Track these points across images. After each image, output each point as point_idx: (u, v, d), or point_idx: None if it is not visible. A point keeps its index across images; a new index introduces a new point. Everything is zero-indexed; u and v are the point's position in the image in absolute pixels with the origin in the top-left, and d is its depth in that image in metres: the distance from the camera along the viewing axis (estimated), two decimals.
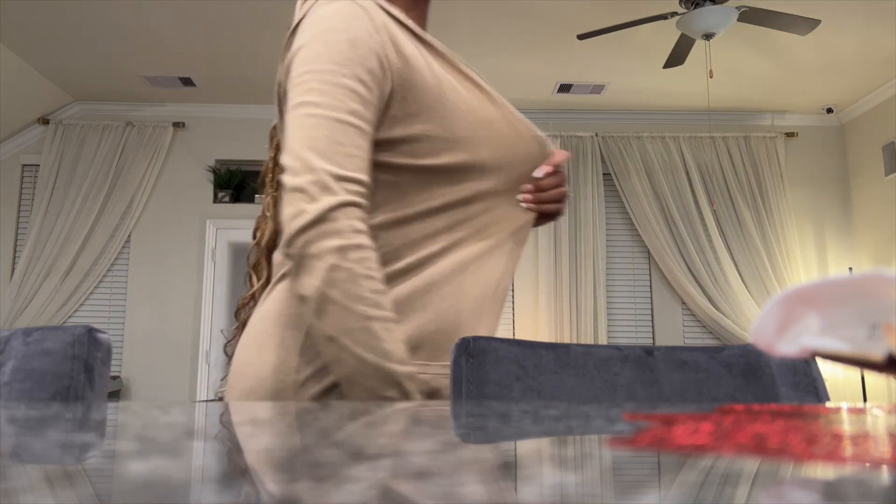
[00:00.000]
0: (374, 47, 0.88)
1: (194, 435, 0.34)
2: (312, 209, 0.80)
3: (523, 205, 1.00)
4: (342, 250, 0.79)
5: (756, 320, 0.39)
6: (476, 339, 0.74)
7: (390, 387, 0.81)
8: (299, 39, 0.90)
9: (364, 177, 0.84)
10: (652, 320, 5.24)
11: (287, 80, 0.92)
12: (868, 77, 4.82)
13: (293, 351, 0.88)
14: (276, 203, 1.07)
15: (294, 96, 0.86)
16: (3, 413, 0.43)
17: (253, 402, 0.86)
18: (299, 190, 0.81)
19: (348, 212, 0.81)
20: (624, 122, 5.43)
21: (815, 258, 5.34)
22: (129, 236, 5.14)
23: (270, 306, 0.93)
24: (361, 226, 0.82)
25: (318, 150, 0.82)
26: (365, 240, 0.82)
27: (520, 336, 5.15)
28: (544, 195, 1.01)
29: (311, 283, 0.80)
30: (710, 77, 4.14)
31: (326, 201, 0.80)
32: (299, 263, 0.81)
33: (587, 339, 5.07)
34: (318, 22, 0.89)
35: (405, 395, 0.82)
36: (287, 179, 0.83)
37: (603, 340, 5.10)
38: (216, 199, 5.24)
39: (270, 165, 1.10)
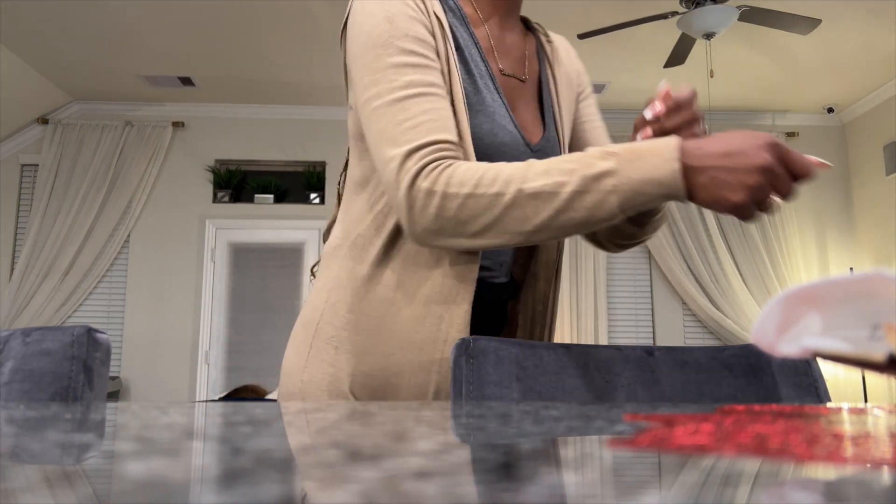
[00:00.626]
0: (415, 16, 0.88)
1: (193, 435, 0.34)
2: (400, 199, 0.81)
3: None
4: (445, 198, 0.79)
5: (757, 320, 0.39)
6: (476, 339, 0.74)
7: (598, 181, 0.75)
8: (348, 34, 0.91)
9: (437, 136, 0.82)
10: (652, 320, 5.24)
11: (347, 76, 0.93)
12: (869, 77, 4.82)
13: (301, 355, 0.93)
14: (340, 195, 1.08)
15: (355, 96, 0.87)
16: (2, 413, 0.43)
17: (275, 400, 0.90)
18: (387, 182, 0.82)
19: (424, 173, 0.80)
20: (624, 122, 5.43)
21: (816, 258, 5.34)
22: (129, 236, 5.14)
23: (305, 305, 0.98)
24: (440, 165, 0.80)
25: (387, 138, 0.82)
26: (446, 164, 0.80)
27: None
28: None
29: (470, 242, 0.80)
30: (711, 77, 4.14)
31: (404, 183, 0.80)
32: (444, 243, 0.82)
33: (587, 340, 5.06)
34: (357, 11, 0.90)
35: (617, 167, 0.74)
36: (380, 176, 0.84)
37: (603, 341, 5.10)
38: (216, 199, 5.24)
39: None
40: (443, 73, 0.88)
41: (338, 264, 0.94)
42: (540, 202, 0.76)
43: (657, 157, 0.73)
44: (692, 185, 0.73)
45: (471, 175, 0.79)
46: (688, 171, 0.73)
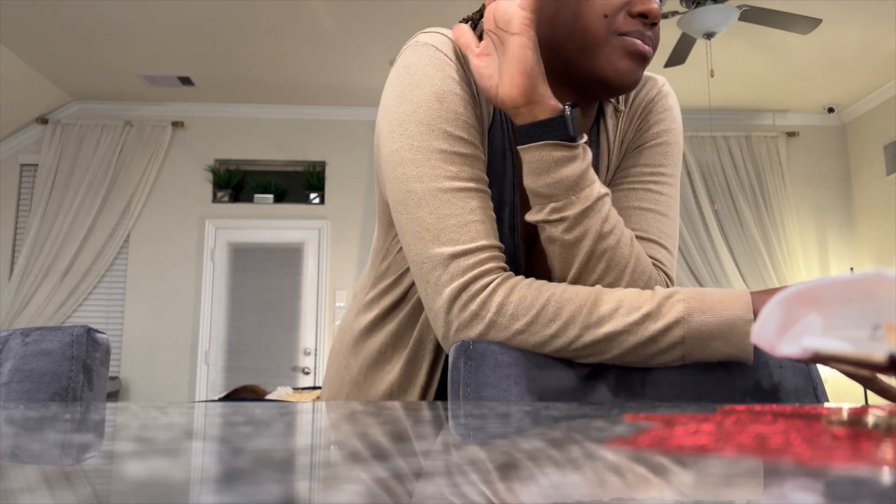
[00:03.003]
0: (465, 95, 0.78)
1: (193, 435, 0.34)
2: (437, 311, 0.74)
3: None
4: (492, 327, 0.72)
5: (757, 321, 0.39)
6: (476, 342, 0.74)
7: (667, 333, 0.71)
8: (387, 97, 0.81)
9: (484, 241, 0.74)
10: None
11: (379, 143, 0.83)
12: (869, 76, 4.82)
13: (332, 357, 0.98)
14: None
15: (388, 169, 0.78)
16: (2, 413, 0.43)
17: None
18: (423, 281, 0.75)
19: (471, 291, 0.72)
20: None
21: (817, 258, 5.34)
22: (128, 236, 5.14)
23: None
24: (490, 284, 0.73)
25: (427, 230, 0.74)
26: (496, 282, 0.73)
27: None
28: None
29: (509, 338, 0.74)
30: (712, 76, 4.14)
31: (446, 295, 0.73)
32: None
33: None
34: (401, 76, 0.80)
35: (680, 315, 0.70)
36: (412, 268, 0.77)
37: None
38: (215, 199, 5.25)
39: None
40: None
41: (350, 308, 0.97)
42: (600, 347, 0.72)
43: (729, 310, 0.71)
44: None
45: (527, 306, 0.72)
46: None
